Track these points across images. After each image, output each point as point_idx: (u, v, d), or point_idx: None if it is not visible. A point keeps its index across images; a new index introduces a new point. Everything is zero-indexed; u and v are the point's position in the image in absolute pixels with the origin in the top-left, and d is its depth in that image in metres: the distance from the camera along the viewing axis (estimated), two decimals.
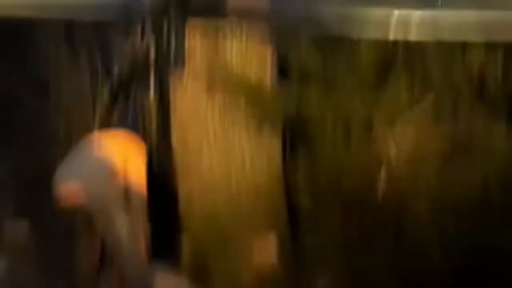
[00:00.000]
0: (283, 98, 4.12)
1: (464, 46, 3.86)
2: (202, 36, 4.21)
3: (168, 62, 4.27)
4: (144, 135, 4.41)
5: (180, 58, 4.21)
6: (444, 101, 3.95)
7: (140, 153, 4.17)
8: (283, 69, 4.28)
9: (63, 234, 4.36)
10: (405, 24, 3.80)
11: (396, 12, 3.81)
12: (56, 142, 5.18)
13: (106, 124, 4.63)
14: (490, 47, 3.81)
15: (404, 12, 3.82)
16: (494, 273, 3.65)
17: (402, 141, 4.02)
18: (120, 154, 4.09)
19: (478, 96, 3.91)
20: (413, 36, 3.78)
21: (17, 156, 5.25)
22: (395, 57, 3.98)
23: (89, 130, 5.14)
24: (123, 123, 4.58)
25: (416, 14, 3.80)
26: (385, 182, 3.98)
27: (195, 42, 4.21)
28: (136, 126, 4.50)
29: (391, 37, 3.80)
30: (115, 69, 4.43)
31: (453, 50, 3.85)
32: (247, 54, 4.27)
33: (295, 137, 4.40)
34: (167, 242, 4.33)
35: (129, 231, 4.01)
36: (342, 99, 4.01)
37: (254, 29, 4.22)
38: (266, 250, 4.30)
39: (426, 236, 3.81)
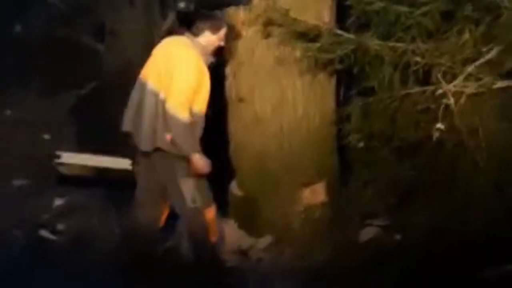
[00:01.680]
0: (340, 45, 4.05)
1: None
2: None
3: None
4: None
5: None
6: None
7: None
8: (341, 14, 4.22)
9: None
10: None
11: None
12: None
13: None
14: None
15: None
16: None
17: (460, 91, 3.93)
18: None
19: None
20: None
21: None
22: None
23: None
24: None
25: None
26: (440, 131, 3.90)
27: None
28: None
29: None
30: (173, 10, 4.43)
31: None
32: None
33: (350, 83, 4.37)
34: (218, 188, 4.36)
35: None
36: (400, 46, 3.92)
37: None
38: (315, 195, 4.30)
39: (480, 184, 3.73)
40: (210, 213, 3.87)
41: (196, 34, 3.92)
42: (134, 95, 3.95)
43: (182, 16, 4.19)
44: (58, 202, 4.52)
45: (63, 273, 3.88)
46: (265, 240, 4.24)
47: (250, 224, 4.30)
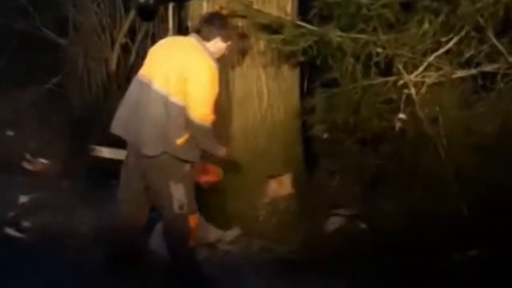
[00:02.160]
0: (303, 37, 4.07)
1: None
2: None
3: None
4: None
5: None
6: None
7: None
8: (303, 6, 4.25)
9: None
10: None
11: None
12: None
13: (125, 62, 4.62)
14: None
15: None
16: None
17: (420, 81, 3.99)
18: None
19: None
20: None
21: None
22: None
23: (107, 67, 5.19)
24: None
25: None
26: (402, 121, 3.97)
27: None
28: None
29: None
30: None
31: None
32: None
33: (313, 74, 4.40)
34: None
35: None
36: (362, 37, 3.96)
37: None
38: (282, 187, 4.33)
39: (443, 172, 3.80)
40: (193, 220, 3.83)
41: (206, 38, 3.79)
42: (131, 94, 3.76)
43: (142, 10, 4.18)
44: (23, 199, 4.49)
45: (30, 271, 3.86)
46: (233, 233, 4.27)
47: (217, 217, 4.32)
